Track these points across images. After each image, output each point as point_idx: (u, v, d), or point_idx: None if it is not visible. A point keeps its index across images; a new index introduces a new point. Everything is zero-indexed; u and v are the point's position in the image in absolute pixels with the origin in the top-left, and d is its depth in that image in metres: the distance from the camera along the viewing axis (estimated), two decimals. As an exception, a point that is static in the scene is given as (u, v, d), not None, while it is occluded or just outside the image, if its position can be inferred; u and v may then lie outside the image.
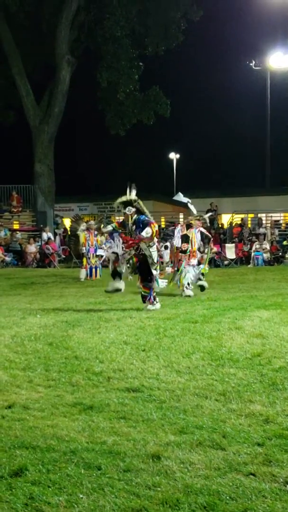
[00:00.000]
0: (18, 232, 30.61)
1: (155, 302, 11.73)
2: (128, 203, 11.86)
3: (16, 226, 32.47)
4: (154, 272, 11.76)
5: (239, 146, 57.56)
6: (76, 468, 4.09)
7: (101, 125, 36.26)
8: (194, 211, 15.69)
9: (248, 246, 27.41)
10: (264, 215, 34.28)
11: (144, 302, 11.84)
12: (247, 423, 4.91)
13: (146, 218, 11.76)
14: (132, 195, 11.86)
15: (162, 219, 39.76)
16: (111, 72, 32.73)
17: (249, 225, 31.55)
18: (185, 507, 3.55)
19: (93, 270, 19.67)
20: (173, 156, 60.67)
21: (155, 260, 11.82)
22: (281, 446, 4.39)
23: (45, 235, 28.48)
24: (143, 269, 11.85)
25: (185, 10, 33.07)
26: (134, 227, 11.76)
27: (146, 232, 11.39)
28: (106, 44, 32.49)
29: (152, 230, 11.47)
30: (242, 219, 31.77)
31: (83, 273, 19.55)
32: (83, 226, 20.04)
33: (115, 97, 33.33)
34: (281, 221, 34.25)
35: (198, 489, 3.75)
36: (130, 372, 6.62)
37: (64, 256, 29.09)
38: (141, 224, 11.63)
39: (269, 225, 31.57)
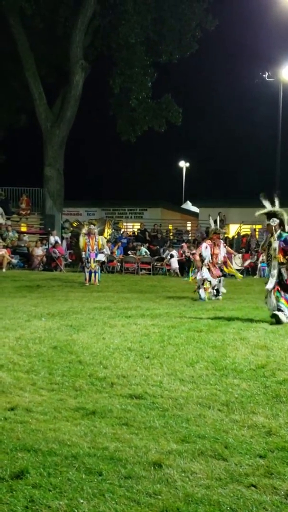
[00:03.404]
0: (25, 234, 30.70)
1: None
2: (272, 214, 11.26)
3: (24, 229, 32.57)
4: None
5: (250, 156, 57.57)
6: (77, 472, 4.09)
7: (112, 131, 36.35)
8: (213, 224, 16.06)
9: (255, 257, 27.37)
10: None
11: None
12: (250, 434, 4.90)
13: None
14: (276, 206, 11.32)
15: (170, 227, 39.79)
16: (124, 78, 32.82)
17: (257, 236, 31.51)
18: (185, 516, 3.55)
19: (93, 274, 19.68)
20: (183, 164, 60.71)
21: None
22: (283, 459, 4.38)
23: (52, 239, 28.53)
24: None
25: (200, 19, 33.12)
26: (278, 242, 11.04)
27: None
28: (120, 50, 32.61)
29: None
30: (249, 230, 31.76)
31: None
32: (84, 230, 20.05)
33: (127, 104, 33.40)
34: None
35: (198, 498, 3.74)
36: (134, 378, 6.61)
37: (70, 260, 29.13)
38: (285, 244, 10.95)
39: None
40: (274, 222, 11.16)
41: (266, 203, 11.31)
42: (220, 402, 5.75)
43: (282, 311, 10.77)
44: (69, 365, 7.23)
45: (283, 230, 11.10)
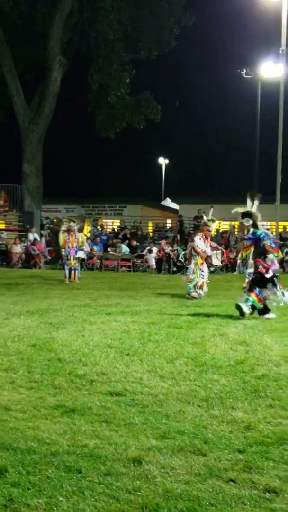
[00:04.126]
0: (4, 231, 30.53)
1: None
2: (248, 214, 11.48)
3: (2, 226, 32.42)
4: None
5: (229, 153, 57.66)
6: (57, 470, 4.08)
7: (91, 128, 36.25)
8: (205, 217, 16.04)
9: (235, 253, 27.46)
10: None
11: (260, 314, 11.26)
12: (229, 429, 4.92)
13: (267, 241, 11.22)
14: (254, 207, 11.50)
15: (150, 224, 39.80)
16: (103, 75, 32.76)
17: (236, 233, 31.62)
18: (164, 512, 3.55)
19: (72, 272, 19.62)
20: (162, 161, 60.68)
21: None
22: (262, 453, 4.40)
23: (31, 236, 28.40)
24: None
25: (178, 16, 33.16)
26: (249, 241, 11.35)
27: (271, 261, 11.06)
28: (98, 46, 32.52)
29: (276, 255, 11.25)
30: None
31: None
32: (64, 227, 19.97)
33: (105, 100, 33.34)
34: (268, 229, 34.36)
35: (178, 494, 3.75)
36: (114, 375, 6.61)
37: (50, 258, 29.01)
38: (259, 241, 11.19)
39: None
40: (248, 222, 11.41)
41: (248, 202, 11.42)
42: (199, 398, 5.76)
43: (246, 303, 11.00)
44: (48, 363, 7.20)
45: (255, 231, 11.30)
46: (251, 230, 11.28)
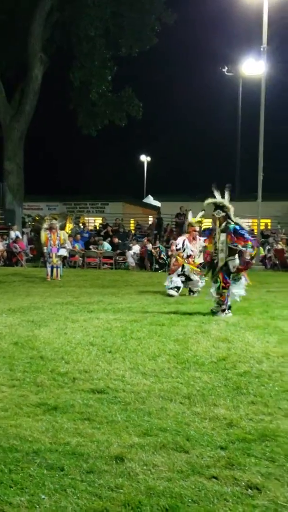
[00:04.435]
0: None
1: (227, 312, 11.20)
2: (219, 206, 11.28)
3: (-17, 224, 32.24)
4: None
5: (210, 151, 57.85)
6: (39, 468, 4.07)
7: (72, 125, 36.18)
8: (190, 217, 15.88)
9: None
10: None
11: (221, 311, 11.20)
12: (211, 426, 4.93)
13: (243, 232, 11.14)
14: (225, 199, 11.30)
15: (132, 221, 39.78)
16: (84, 72, 32.71)
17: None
18: (147, 509, 3.54)
19: (54, 269, 19.58)
20: (144, 158, 60.71)
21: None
22: (244, 450, 4.41)
23: (13, 234, 28.26)
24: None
25: (159, 13, 33.17)
26: (224, 234, 11.12)
27: (250, 255, 11.05)
28: (80, 43, 32.45)
29: (255, 251, 11.22)
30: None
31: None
32: (45, 225, 19.92)
33: (87, 97, 33.28)
34: (249, 227, 34.52)
35: (160, 491, 3.75)
36: (96, 373, 6.60)
37: (32, 255, 28.91)
38: (234, 235, 11.02)
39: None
40: (219, 214, 11.25)
41: (217, 194, 11.35)
42: (182, 395, 5.77)
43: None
44: (30, 361, 7.18)
45: (229, 222, 11.20)
46: (224, 224, 11.19)
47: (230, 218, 11.20)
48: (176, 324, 9.96)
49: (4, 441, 4.54)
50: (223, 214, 11.18)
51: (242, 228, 11.16)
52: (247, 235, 11.18)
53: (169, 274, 15.34)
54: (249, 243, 11.01)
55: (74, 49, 33.02)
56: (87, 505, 3.59)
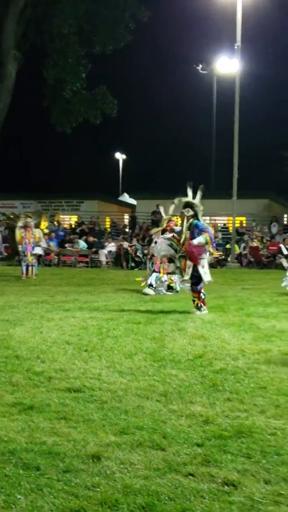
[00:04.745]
0: None
1: (202, 309, 11.20)
2: (189, 204, 11.39)
3: None
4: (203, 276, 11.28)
5: (185, 149, 57.93)
6: (15, 468, 4.04)
7: (47, 123, 35.99)
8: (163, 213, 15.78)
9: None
10: (208, 218, 34.60)
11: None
12: (187, 424, 4.94)
13: (204, 227, 11.33)
14: (196, 198, 11.39)
15: (107, 219, 39.70)
16: (58, 69, 32.55)
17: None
18: (123, 508, 3.54)
19: (29, 268, 19.48)
20: (119, 156, 60.61)
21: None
22: (220, 447, 4.43)
23: (-14, 233, 28.07)
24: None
25: (133, 11, 33.11)
26: (189, 232, 11.25)
27: (198, 242, 11.03)
28: (53, 41, 32.30)
29: (206, 240, 11.13)
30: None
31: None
32: (20, 223, 19.81)
33: (61, 95, 33.13)
34: (221, 224, 34.73)
35: (137, 489, 3.75)
36: (72, 372, 6.58)
37: (6, 254, 28.72)
38: (197, 231, 11.14)
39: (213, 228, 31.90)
40: (188, 212, 11.36)
41: (189, 193, 11.41)
42: (158, 393, 5.78)
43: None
44: (5, 360, 7.14)
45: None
46: (191, 221, 11.27)
47: (197, 217, 11.28)
48: (153, 322, 9.97)
49: (-20, 442, 4.50)
50: (192, 213, 11.27)
51: (203, 225, 11.26)
52: (206, 230, 11.28)
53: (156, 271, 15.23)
54: (205, 234, 11.10)
55: (48, 47, 32.86)
56: (64, 504, 3.57)
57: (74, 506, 3.54)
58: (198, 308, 11.09)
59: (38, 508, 3.54)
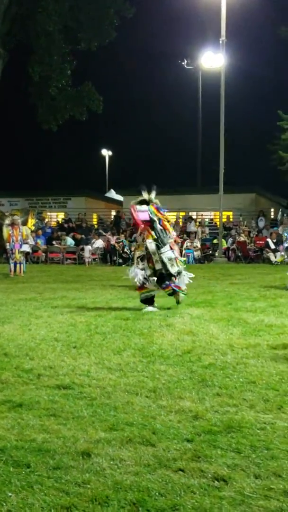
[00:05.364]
0: None
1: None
2: (145, 201, 11.44)
3: None
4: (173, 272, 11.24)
5: (171, 145, 57.96)
6: (5, 466, 4.04)
7: (33, 120, 35.90)
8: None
9: (179, 243, 27.61)
10: (195, 213, 34.66)
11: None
12: (177, 419, 4.94)
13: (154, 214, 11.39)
14: (152, 195, 11.46)
15: (94, 216, 39.65)
16: (43, 66, 32.48)
17: (181, 223, 31.85)
18: (114, 504, 3.54)
19: (17, 265, 19.46)
20: (106, 153, 60.54)
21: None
22: (210, 442, 4.44)
23: (-26, 230, 27.89)
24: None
25: (118, 7, 33.07)
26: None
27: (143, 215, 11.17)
28: (38, 38, 32.19)
29: (151, 211, 11.22)
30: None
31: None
32: (7, 221, 19.75)
33: (47, 92, 33.06)
34: (209, 219, 34.81)
35: (127, 485, 3.75)
36: (61, 369, 6.58)
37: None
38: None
39: (200, 223, 32.03)
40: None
41: (144, 193, 11.49)
42: (147, 389, 5.78)
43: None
44: (-6, 358, 7.12)
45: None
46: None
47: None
48: (141, 318, 9.97)
49: None
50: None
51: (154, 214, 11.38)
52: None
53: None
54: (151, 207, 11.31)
55: (33, 44, 32.75)
56: (55, 501, 3.57)
57: (65, 503, 3.54)
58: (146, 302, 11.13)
59: (29, 506, 3.53)
